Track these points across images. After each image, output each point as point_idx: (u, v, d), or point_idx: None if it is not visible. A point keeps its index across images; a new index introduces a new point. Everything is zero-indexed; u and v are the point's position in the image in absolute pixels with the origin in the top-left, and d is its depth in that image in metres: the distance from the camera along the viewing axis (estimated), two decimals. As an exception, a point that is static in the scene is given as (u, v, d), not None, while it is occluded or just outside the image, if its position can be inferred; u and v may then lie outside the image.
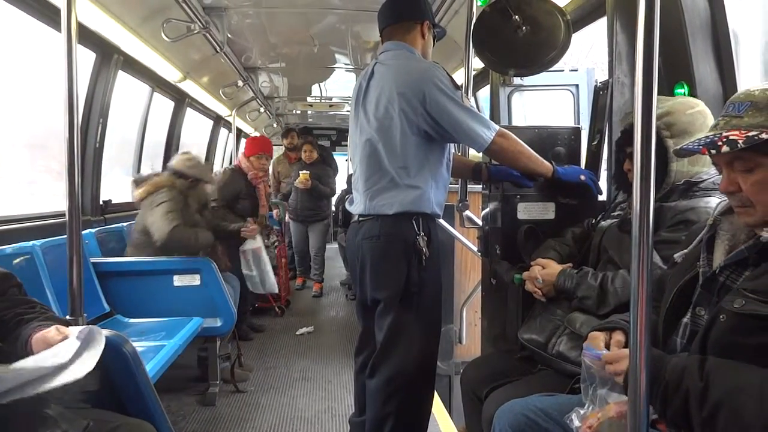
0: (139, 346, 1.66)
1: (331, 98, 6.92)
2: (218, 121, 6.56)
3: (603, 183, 2.20)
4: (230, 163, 6.47)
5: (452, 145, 2.15)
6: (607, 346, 1.19)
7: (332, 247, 7.14)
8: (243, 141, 8.49)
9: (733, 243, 1.10)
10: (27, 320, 1.35)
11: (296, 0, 3.49)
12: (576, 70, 3.58)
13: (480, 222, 2.42)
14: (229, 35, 3.92)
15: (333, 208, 6.50)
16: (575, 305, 1.66)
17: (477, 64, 2.51)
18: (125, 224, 3.53)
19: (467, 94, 2.30)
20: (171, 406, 2.97)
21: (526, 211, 2.11)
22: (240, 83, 5.03)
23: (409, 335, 1.99)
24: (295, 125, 8.43)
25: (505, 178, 2.09)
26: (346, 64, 5.13)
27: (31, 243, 2.43)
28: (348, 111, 4.47)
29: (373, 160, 2.01)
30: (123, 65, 3.51)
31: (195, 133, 6.36)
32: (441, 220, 2.27)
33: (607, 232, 1.75)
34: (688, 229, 1.39)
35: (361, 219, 2.07)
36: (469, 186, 2.50)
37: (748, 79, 1.84)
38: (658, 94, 0.97)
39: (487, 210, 2.30)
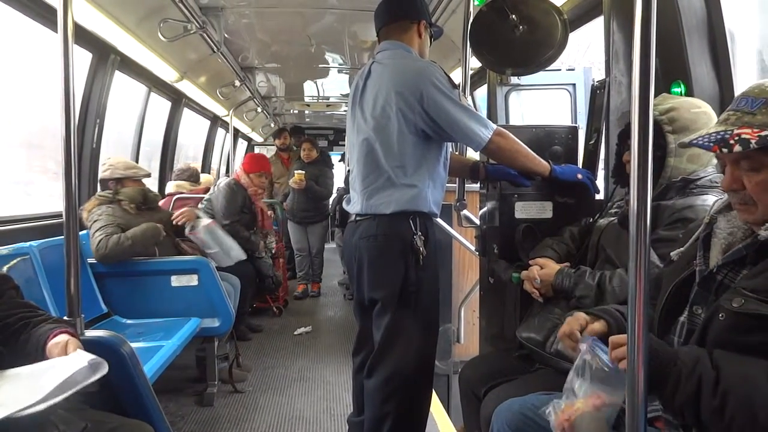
0: (137, 346, 1.65)
1: (328, 98, 6.92)
2: (215, 121, 6.55)
3: (600, 182, 2.21)
4: (228, 162, 6.46)
5: (449, 144, 2.15)
6: (580, 331, 1.20)
7: (330, 247, 7.13)
8: (240, 140, 8.50)
9: (730, 241, 1.09)
10: (35, 323, 1.35)
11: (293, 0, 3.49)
12: (573, 70, 3.59)
13: (478, 221, 2.42)
14: (226, 35, 3.91)
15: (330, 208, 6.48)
16: (573, 304, 1.67)
17: (474, 63, 2.52)
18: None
19: (464, 94, 2.30)
20: (169, 406, 2.96)
21: (523, 210, 2.11)
22: (237, 83, 5.03)
23: (406, 335, 1.99)
24: (288, 125, 8.39)
25: (502, 177, 2.09)
26: (343, 64, 5.13)
27: (28, 244, 2.42)
28: (345, 111, 4.46)
29: (370, 159, 2.01)
30: (120, 65, 3.51)
31: (193, 133, 6.37)
32: (439, 220, 2.27)
33: (605, 230, 1.75)
34: (686, 227, 1.39)
35: (358, 218, 2.07)
36: (466, 185, 2.50)
37: (744, 79, 1.85)
38: (655, 93, 0.97)
39: (485, 209, 2.30)
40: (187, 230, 3.27)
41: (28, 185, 3.42)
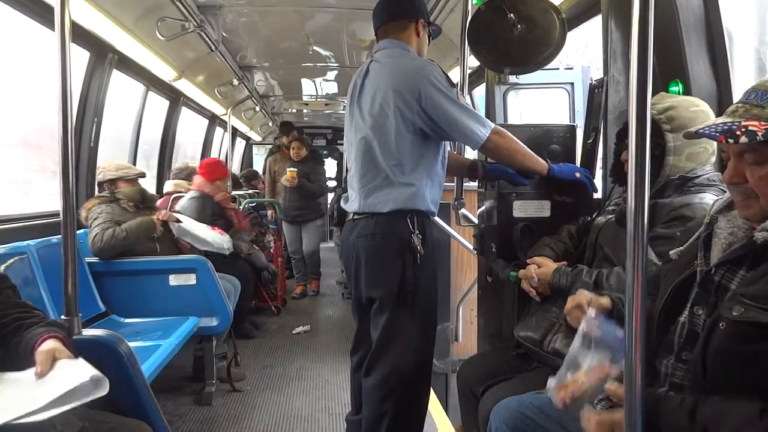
0: (134, 345, 1.65)
1: (326, 97, 6.91)
2: (213, 120, 6.54)
3: (598, 181, 2.21)
4: (226, 161, 6.45)
5: (447, 142, 2.15)
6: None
7: (329, 246, 7.13)
8: (238, 139, 8.48)
9: (731, 241, 1.08)
10: (28, 325, 1.34)
11: (291, -2, 3.49)
12: (571, 69, 3.60)
13: (476, 220, 2.42)
14: (224, 34, 3.90)
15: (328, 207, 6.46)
16: (571, 303, 1.67)
17: (472, 62, 2.51)
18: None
19: (463, 93, 2.30)
20: (167, 405, 2.96)
21: (521, 209, 2.11)
22: (235, 82, 5.02)
23: (404, 333, 1.99)
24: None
25: (500, 176, 2.09)
26: (341, 63, 5.12)
27: (25, 243, 2.42)
28: (343, 109, 4.46)
29: (368, 157, 2.01)
30: (117, 64, 3.50)
31: (191, 131, 6.36)
32: (437, 218, 2.28)
33: (602, 229, 1.76)
34: (683, 225, 1.39)
35: (356, 217, 2.07)
36: (465, 184, 2.50)
37: (742, 78, 1.85)
38: (653, 92, 0.97)
39: (483, 208, 2.30)
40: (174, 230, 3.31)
41: (26, 184, 3.41)
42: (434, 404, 2.83)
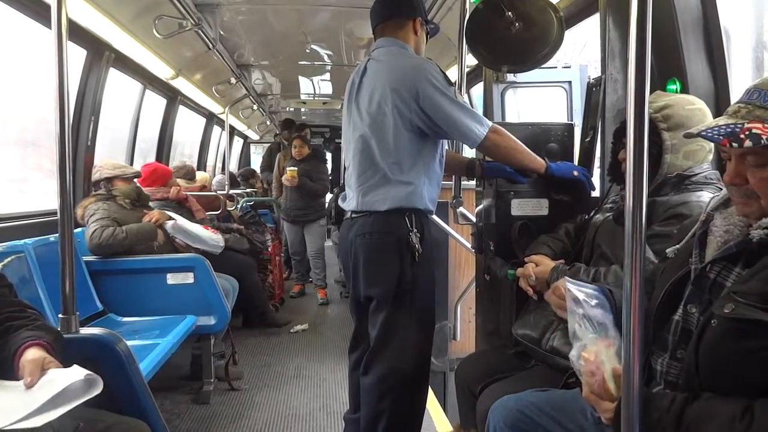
0: (132, 344, 1.65)
1: (324, 95, 6.91)
2: (211, 118, 6.53)
3: (596, 179, 2.21)
4: (224, 159, 6.44)
5: (445, 141, 2.15)
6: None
7: (327, 245, 7.10)
8: (235, 138, 8.46)
9: (726, 239, 1.08)
10: (16, 327, 1.32)
11: (289, -3, 3.48)
12: (569, 67, 3.59)
13: (474, 218, 2.42)
14: (221, 32, 3.89)
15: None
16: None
17: (470, 60, 2.52)
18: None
19: (461, 91, 2.30)
20: (165, 404, 2.96)
21: (519, 207, 2.11)
22: (233, 80, 5.01)
23: (402, 332, 1.99)
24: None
25: (498, 174, 2.09)
26: (339, 61, 5.11)
27: (22, 241, 2.41)
28: (341, 108, 4.45)
29: (365, 155, 2.01)
30: (114, 62, 3.49)
31: (189, 130, 6.34)
32: (435, 217, 2.28)
33: (600, 227, 1.76)
34: (680, 223, 1.39)
35: (354, 215, 2.07)
36: (463, 183, 2.50)
37: (739, 77, 1.86)
38: (651, 90, 0.97)
39: (481, 206, 2.30)
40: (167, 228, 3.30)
41: (22, 183, 3.40)
42: (432, 403, 2.84)
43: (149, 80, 4.30)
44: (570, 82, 3.49)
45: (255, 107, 6.84)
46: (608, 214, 1.76)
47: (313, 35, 4.23)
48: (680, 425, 0.94)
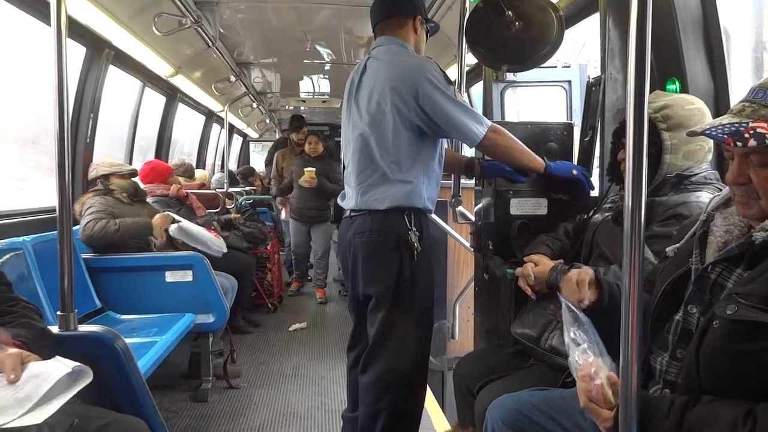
0: (131, 342, 1.65)
1: (323, 94, 6.90)
2: (210, 116, 6.52)
3: (595, 179, 2.21)
4: (223, 158, 6.43)
5: (445, 140, 2.15)
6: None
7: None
8: (235, 136, 8.45)
9: (727, 239, 1.08)
10: (1, 323, 1.31)
11: (289, -5, 3.48)
12: (569, 67, 3.60)
13: (473, 217, 2.42)
14: (221, 30, 3.89)
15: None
16: (567, 301, 1.67)
17: (470, 59, 2.51)
18: (117, 220, 3.50)
19: (460, 90, 2.30)
20: (163, 402, 2.96)
21: (518, 206, 2.11)
22: (232, 78, 5.01)
23: (401, 331, 1.99)
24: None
25: (497, 173, 2.09)
26: (338, 60, 5.11)
27: (21, 239, 2.41)
28: (341, 106, 4.44)
29: (365, 154, 2.00)
30: (114, 60, 3.48)
31: (188, 128, 6.34)
32: (434, 216, 2.28)
33: (599, 227, 1.76)
34: (680, 223, 1.39)
35: (353, 214, 2.06)
36: (462, 182, 2.50)
37: (739, 77, 1.86)
38: (651, 90, 0.97)
39: (480, 205, 2.30)
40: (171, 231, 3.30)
41: (21, 180, 3.40)
42: (431, 402, 2.84)
43: (149, 78, 4.30)
44: (569, 82, 3.49)
45: (254, 105, 6.83)
46: (607, 214, 1.76)
47: (313, 33, 4.23)
48: (680, 430, 0.94)
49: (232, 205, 5.40)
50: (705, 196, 1.48)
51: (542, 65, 2.35)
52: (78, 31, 3.02)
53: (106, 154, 3.89)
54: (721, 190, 1.32)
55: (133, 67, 3.94)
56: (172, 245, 3.29)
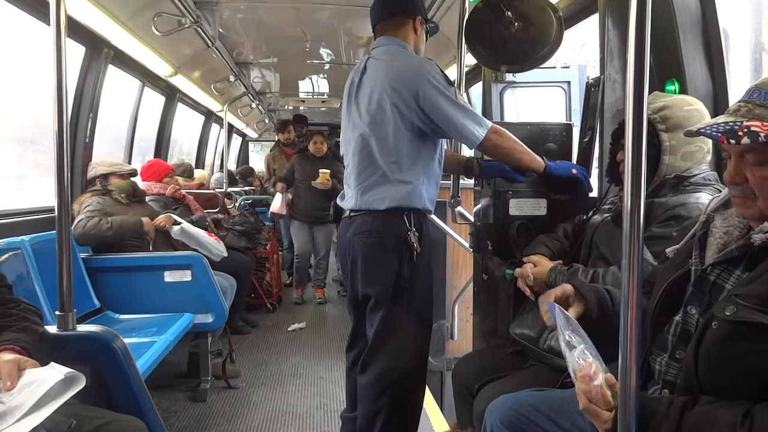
0: (129, 342, 1.64)
1: (323, 94, 6.90)
2: (209, 116, 6.52)
3: (594, 179, 2.22)
4: (222, 157, 6.43)
5: (444, 140, 2.15)
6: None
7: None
8: (234, 136, 8.44)
9: (726, 240, 1.08)
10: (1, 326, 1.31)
11: (288, -5, 3.48)
12: (568, 67, 3.61)
13: (472, 218, 2.42)
14: (220, 30, 3.89)
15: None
16: (566, 301, 1.67)
17: (469, 60, 2.51)
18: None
19: (460, 91, 2.30)
20: (162, 402, 2.96)
21: (517, 207, 2.11)
22: (232, 78, 5.01)
23: (400, 331, 1.99)
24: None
25: (496, 173, 2.09)
26: (338, 60, 5.11)
27: (20, 238, 2.41)
28: (340, 106, 4.43)
29: (365, 154, 2.01)
30: (113, 59, 3.48)
31: (187, 128, 6.33)
32: (433, 216, 2.28)
33: (598, 228, 1.76)
34: (679, 224, 1.39)
35: (352, 214, 2.06)
36: (461, 182, 2.50)
37: (738, 77, 1.86)
38: (650, 91, 0.96)
39: (479, 206, 2.30)
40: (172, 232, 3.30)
41: (20, 180, 3.40)
42: (429, 402, 2.84)
43: (148, 78, 4.30)
44: (569, 82, 3.50)
45: (254, 105, 6.83)
46: (606, 215, 1.76)
47: (313, 33, 4.23)
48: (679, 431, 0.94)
49: (232, 205, 5.40)
50: (704, 198, 1.49)
51: (541, 66, 2.35)
52: (77, 30, 3.02)
53: (106, 153, 3.89)
54: (720, 191, 1.32)
55: (133, 67, 3.94)
56: (171, 245, 3.29)
